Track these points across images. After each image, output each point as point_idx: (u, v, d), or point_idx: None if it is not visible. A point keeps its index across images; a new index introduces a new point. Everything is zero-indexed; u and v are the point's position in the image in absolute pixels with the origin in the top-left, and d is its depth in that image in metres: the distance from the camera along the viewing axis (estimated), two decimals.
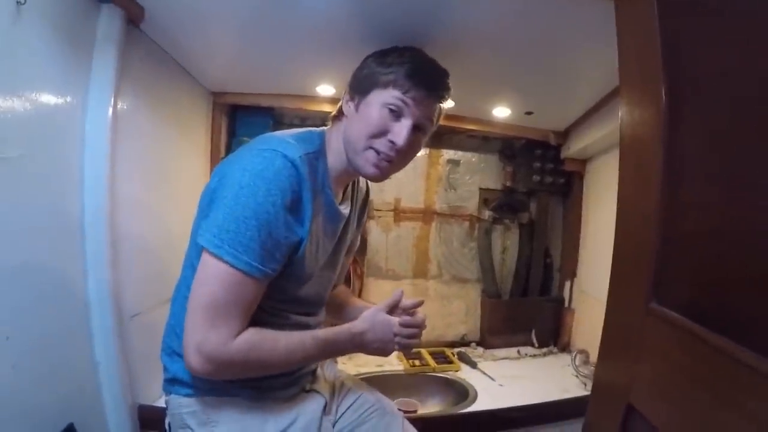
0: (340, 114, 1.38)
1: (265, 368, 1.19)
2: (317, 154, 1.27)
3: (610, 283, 1.00)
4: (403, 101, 1.25)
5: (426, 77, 1.29)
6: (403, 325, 1.34)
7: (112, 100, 1.53)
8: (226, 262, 1.08)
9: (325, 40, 1.78)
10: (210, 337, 1.08)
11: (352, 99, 1.33)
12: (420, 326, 1.37)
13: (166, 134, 2.03)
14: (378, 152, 1.27)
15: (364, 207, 1.59)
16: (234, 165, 1.16)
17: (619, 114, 0.95)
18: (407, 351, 1.36)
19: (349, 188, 1.46)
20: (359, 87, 1.32)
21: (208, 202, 1.18)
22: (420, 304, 1.40)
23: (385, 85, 1.27)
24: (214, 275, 1.09)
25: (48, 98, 1.33)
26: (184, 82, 2.17)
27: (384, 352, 1.35)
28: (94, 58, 1.51)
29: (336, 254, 1.43)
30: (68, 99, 1.41)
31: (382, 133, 1.26)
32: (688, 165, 0.81)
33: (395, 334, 1.33)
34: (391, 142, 1.26)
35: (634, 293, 0.89)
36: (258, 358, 1.14)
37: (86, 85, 1.49)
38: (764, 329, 0.64)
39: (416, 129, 1.29)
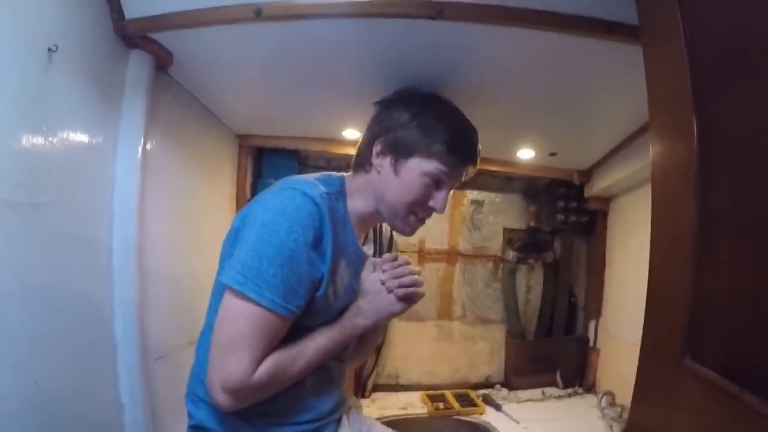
0: (365, 162, 1.37)
1: (286, 384, 1.18)
2: (337, 195, 1.29)
3: (643, 335, 0.99)
4: (446, 174, 1.30)
5: (468, 152, 1.36)
6: (387, 270, 1.29)
7: (142, 142, 1.57)
8: (250, 299, 1.07)
9: (351, 86, 1.81)
10: (234, 372, 1.07)
11: (384, 155, 1.33)
12: (404, 264, 1.30)
13: (194, 176, 2.07)
14: (417, 216, 1.32)
15: (389, 250, 1.60)
16: (256, 205, 1.18)
17: (651, 167, 0.95)
18: (413, 301, 1.29)
19: (371, 231, 1.46)
20: (397, 148, 1.32)
21: (232, 242, 1.19)
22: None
23: (429, 155, 1.29)
24: (239, 311, 1.09)
25: (79, 142, 1.36)
26: (211, 125, 2.21)
27: (387, 309, 1.28)
28: (123, 102, 1.55)
29: None
30: (99, 143, 1.44)
31: (424, 200, 1.30)
32: (721, 221, 0.80)
33: (382, 282, 1.28)
34: (432, 208, 1.31)
35: (668, 347, 0.88)
36: (280, 380, 1.15)
37: (116, 129, 1.52)
38: None
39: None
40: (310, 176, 1.28)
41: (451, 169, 1.30)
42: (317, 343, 1.21)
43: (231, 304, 1.10)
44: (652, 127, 0.97)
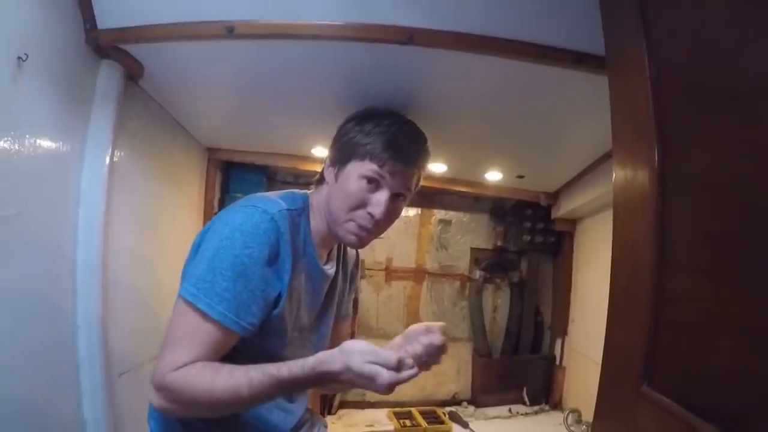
0: (323, 178, 1.37)
1: (203, 403, 1.06)
2: (299, 211, 1.26)
3: (603, 361, 1.01)
4: (379, 174, 1.25)
5: (402, 149, 1.28)
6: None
7: (109, 153, 1.55)
8: (200, 311, 1.06)
9: (321, 106, 1.81)
10: (160, 368, 1.05)
11: (332, 165, 1.32)
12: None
13: (161, 188, 2.05)
14: (357, 223, 1.27)
15: (355, 270, 1.58)
16: (216, 221, 1.17)
17: (612, 197, 0.97)
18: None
19: (335, 250, 1.45)
20: (338, 155, 1.31)
21: (192, 257, 1.18)
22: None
23: (363, 157, 1.26)
24: (185, 317, 1.08)
25: (46, 153, 1.34)
26: (180, 138, 2.19)
27: (370, 387, 1.02)
28: (92, 112, 1.53)
29: (323, 315, 1.41)
30: (66, 153, 1.43)
31: (360, 205, 1.25)
32: (679, 254, 0.82)
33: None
34: (370, 214, 1.25)
35: (627, 374, 0.89)
36: (194, 388, 1.04)
37: (84, 139, 1.50)
38: (752, 425, 0.65)
39: (395, 197, 1.29)
40: (273, 194, 1.27)
41: (387, 171, 1.25)
42: (252, 375, 1.05)
43: (181, 313, 1.09)
44: (615, 157, 0.99)
